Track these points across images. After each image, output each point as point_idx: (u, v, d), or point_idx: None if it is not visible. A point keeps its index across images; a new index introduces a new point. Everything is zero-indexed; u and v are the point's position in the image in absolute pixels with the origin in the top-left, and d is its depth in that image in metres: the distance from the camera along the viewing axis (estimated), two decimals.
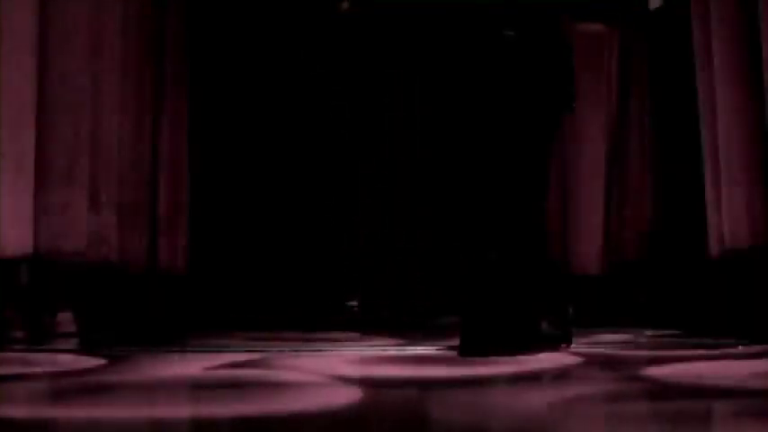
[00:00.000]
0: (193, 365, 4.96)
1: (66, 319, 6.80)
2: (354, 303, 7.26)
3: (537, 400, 3.79)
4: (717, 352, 5.46)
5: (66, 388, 4.18)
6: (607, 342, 6.48)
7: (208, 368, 4.83)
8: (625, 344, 6.39)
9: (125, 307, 7.55)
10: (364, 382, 4.15)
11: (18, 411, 3.48)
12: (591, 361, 5.08)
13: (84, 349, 5.99)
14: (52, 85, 6.59)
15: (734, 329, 6.42)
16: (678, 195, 8.33)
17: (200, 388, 4.21)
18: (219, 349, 6.08)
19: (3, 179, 6.34)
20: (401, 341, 6.83)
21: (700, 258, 7.19)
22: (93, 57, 6.90)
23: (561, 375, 4.59)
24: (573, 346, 5.69)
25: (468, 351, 4.95)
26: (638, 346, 6.21)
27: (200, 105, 9.42)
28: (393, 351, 5.98)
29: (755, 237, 6.49)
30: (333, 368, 4.76)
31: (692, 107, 7.26)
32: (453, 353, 5.36)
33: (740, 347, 5.54)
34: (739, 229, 6.58)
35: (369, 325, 9.26)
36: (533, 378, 4.56)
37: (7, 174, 6.35)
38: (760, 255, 6.43)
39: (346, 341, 7.00)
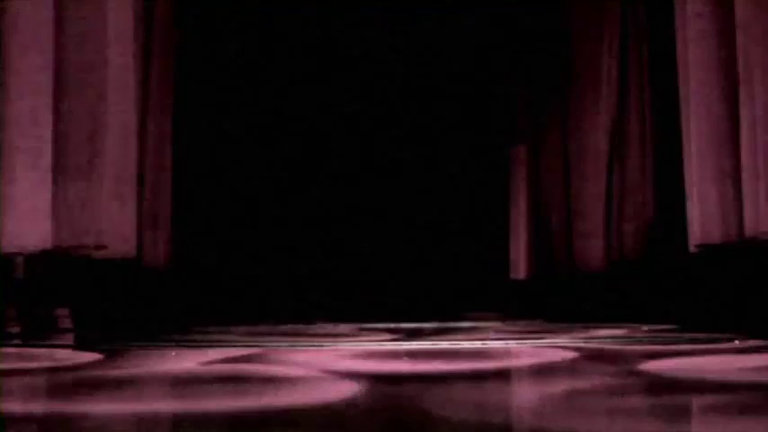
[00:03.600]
0: (189, 360, 4.97)
1: (63, 315, 6.81)
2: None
3: (535, 393, 3.80)
4: (712, 347, 5.46)
5: (63, 383, 4.18)
6: (604, 337, 6.49)
7: (204, 363, 4.84)
8: (622, 338, 6.40)
9: (122, 301, 7.55)
10: (361, 377, 4.15)
11: (15, 406, 3.48)
12: (588, 355, 5.09)
13: (80, 344, 5.99)
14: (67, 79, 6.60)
15: (728, 324, 6.43)
16: (677, 192, 8.35)
17: (196, 382, 4.20)
18: (215, 344, 6.09)
19: (16, 175, 6.34)
20: (396, 336, 6.83)
21: (689, 252, 7.23)
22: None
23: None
24: (570, 340, 5.73)
25: None
26: (635, 341, 6.22)
27: (185, 101, 9.43)
28: (388, 346, 5.99)
29: (727, 234, 6.53)
30: (329, 363, 4.76)
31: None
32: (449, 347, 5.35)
33: (737, 342, 5.55)
34: (712, 226, 6.63)
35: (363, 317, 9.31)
36: (532, 372, 4.57)
37: (23, 169, 6.35)
38: (731, 251, 6.48)
39: (341, 336, 7.00)
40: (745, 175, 6.15)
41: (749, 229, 6.11)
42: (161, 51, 8.69)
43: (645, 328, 7.31)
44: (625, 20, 9.42)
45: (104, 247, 6.75)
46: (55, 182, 6.47)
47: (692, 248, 6.89)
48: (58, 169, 6.48)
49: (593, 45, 9.68)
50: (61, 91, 6.52)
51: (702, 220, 6.71)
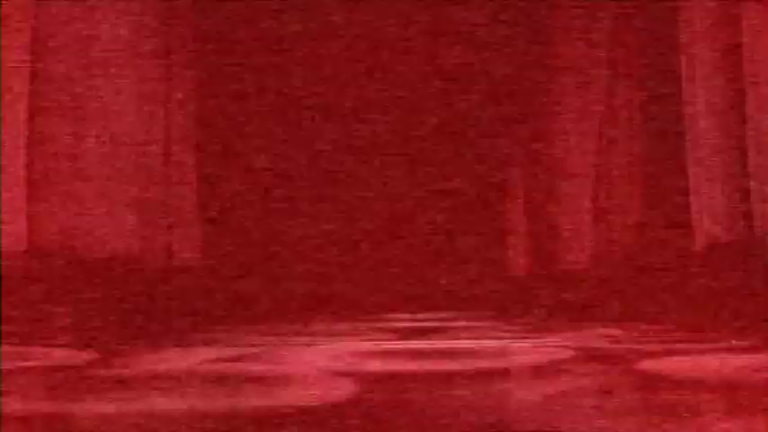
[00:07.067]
0: (189, 359, 4.97)
1: (62, 313, 6.81)
2: None
3: (532, 392, 3.80)
4: (709, 346, 5.47)
5: (60, 382, 4.18)
6: (602, 336, 6.50)
7: (203, 361, 4.85)
8: (619, 337, 6.41)
9: (119, 299, 7.56)
10: (359, 375, 4.16)
11: (13, 405, 3.49)
12: (586, 354, 5.11)
13: (79, 343, 6.00)
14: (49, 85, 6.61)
15: (725, 323, 6.44)
16: (667, 188, 8.36)
17: (195, 381, 4.21)
18: (215, 342, 6.10)
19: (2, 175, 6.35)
20: (394, 335, 6.85)
21: (689, 251, 7.24)
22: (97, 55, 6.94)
23: None
24: (568, 339, 5.74)
25: None
26: (632, 340, 6.22)
27: (209, 93, 9.50)
28: (386, 345, 5.99)
29: (734, 232, 6.56)
30: (327, 361, 4.77)
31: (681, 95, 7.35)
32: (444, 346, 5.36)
33: (733, 342, 5.56)
34: (718, 225, 6.66)
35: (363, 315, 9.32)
36: (529, 371, 4.58)
37: (5, 170, 6.36)
38: (738, 250, 6.50)
39: (340, 335, 7.01)
40: (752, 176, 6.19)
41: (758, 229, 6.14)
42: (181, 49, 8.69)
43: (642, 327, 7.32)
44: (615, 15, 9.44)
45: (88, 246, 6.76)
46: (34, 183, 6.47)
47: (698, 248, 6.92)
48: (38, 170, 6.49)
49: (581, 44, 9.70)
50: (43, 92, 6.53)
51: (708, 219, 6.74)
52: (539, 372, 4.56)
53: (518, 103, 11.42)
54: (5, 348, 5.60)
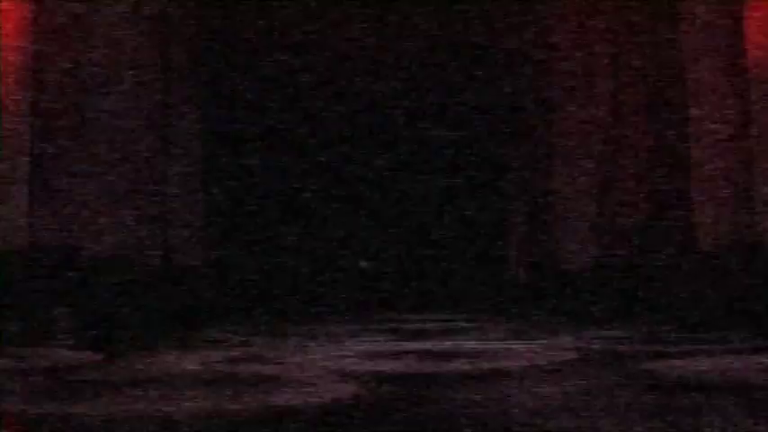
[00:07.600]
0: (190, 360, 4.97)
1: (64, 314, 6.81)
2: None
3: (536, 393, 3.80)
4: (712, 347, 5.47)
5: (60, 382, 4.18)
6: (606, 337, 6.49)
7: (205, 362, 4.84)
8: (623, 339, 6.40)
9: (120, 300, 7.56)
10: (361, 376, 4.16)
11: (15, 406, 3.49)
12: (590, 355, 5.10)
13: (81, 344, 5.99)
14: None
15: (729, 324, 6.44)
16: (670, 189, 8.35)
17: (197, 382, 4.20)
18: (216, 344, 6.10)
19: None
20: (394, 336, 6.84)
21: (693, 252, 7.24)
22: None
23: None
24: (571, 340, 5.74)
25: None
26: (636, 341, 6.22)
27: (210, 93, 9.50)
28: (388, 346, 5.99)
29: (737, 233, 6.56)
30: (327, 361, 4.77)
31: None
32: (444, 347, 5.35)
33: (737, 342, 5.56)
34: (720, 226, 6.66)
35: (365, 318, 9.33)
36: (533, 372, 4.58)
37: (6, 170, 6.38)
38: (742, 251, 6.51)
39: (341, 335, 7.01)
40: (755, 177, 6.19)
41: (760, 229, 6.14)
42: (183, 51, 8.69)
43: (642, 327, 7.32)
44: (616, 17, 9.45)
45: (88, 246, 6.77)
46: (34, 182, 6.48)
47: (700, 249, 6.92)
48: (39, 170, 6.51)
49: (583, 46, 9.69)
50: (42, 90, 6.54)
51: (710, 221, 6.75)
52: (540, 373, 4.55)
53: (519, 104, 11.42)
54: (5, 348, 5.60)
